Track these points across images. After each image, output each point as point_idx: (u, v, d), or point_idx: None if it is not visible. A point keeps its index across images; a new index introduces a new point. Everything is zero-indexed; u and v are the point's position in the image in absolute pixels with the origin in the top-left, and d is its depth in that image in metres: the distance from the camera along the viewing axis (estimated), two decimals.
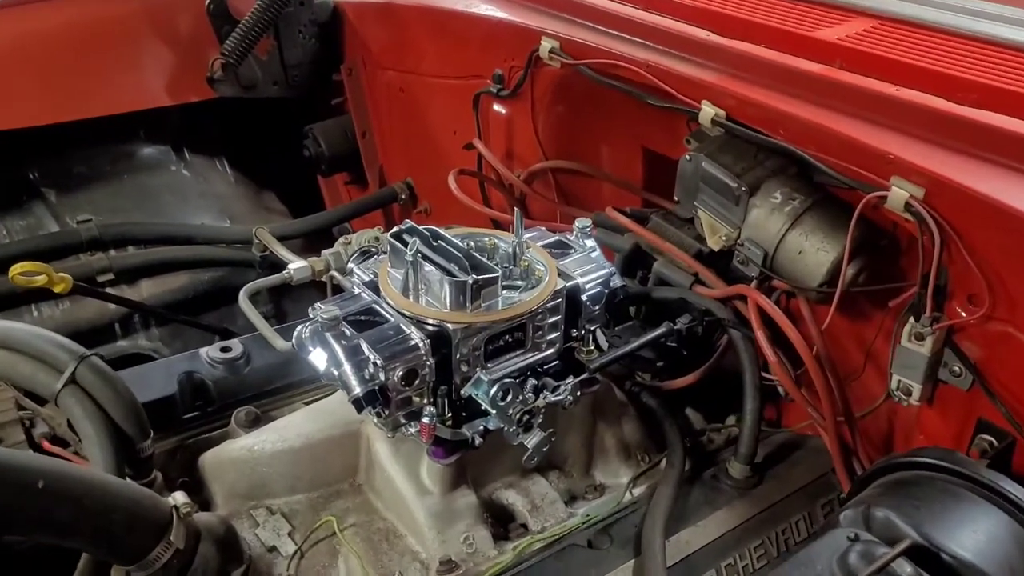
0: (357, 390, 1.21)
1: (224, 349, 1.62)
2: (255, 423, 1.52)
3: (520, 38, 1.80)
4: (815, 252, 1.36)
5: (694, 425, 1.64)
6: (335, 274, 1.54)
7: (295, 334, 1.31)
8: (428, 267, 1.29)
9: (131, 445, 1.36)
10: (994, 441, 1.23)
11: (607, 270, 1.41)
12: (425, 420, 1.24)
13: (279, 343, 1.49)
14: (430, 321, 1.25)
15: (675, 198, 1.58)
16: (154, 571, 1.17)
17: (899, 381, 1.29)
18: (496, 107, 1.95)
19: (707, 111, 1.44)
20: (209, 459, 1.43)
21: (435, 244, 1.32)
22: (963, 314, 1.21)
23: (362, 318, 1.29)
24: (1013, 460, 1.21)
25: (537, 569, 1.27)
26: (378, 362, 1.21)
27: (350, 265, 1.46)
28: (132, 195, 2.33)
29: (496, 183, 2.00)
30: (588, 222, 1.47)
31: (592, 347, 1.41)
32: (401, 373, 1.22)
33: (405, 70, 2.22)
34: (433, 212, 2.36)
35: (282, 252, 1.95)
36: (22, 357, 1.36)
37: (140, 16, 2.32)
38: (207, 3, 2.25)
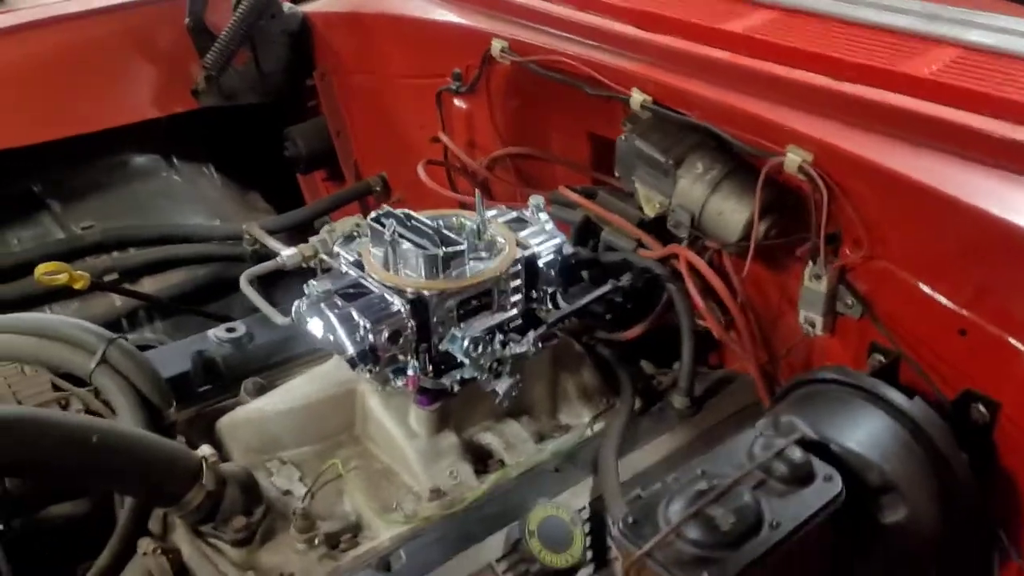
0: (351, 350, 1.45)
1: (229, 329, 1.84)
2: (262, 391, 1.74)
3: (473, 40, 2.02)
4: (732, 212, 1.60)
5: (645, 371, 1.88)
6: (323, 257, 1.75)
7: (294, 308, 1.54)
8: (404, 244, 1.52)
9: (158, 414, 1.59)
10: (883, 359, 1.49)
11: (559, 239, 1.65)
12: (410, 372, 1.47)
13: (278, 319, 1.71)
14: (409, 290, 1.48)
15: (616, 174, 1.82)
16: (189, 511, 1.40)
17: (805, 316, 1.54)
18: (456, 103, 2.18)
19: (636, 97, 1.67)
20: (225, 422, 1.65)
21: (409, 224, 1.55)
22: (850, 256, 1.45)
23: (351, 291, 1.52)
24: (899, 375, 1.45)
25: (513, 492, 1.51)
26: (367, 326, 1.44)
27: (336, 248, 1.68)
28: (128, 201, 2.54)
29: (460, 170, 2.22)
30: (541, 199, 1.70)
31: (551, 306, 1.65)
32: (387, 334, 1.45)
33: (373, 73, 2.44)
34: (406, 201, 2.57)
35: (272, 243, 2.17)
36: (55, 343, 1.58)
37: (125, 36, 2.52)
38: (186, 21, 2.46)
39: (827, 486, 1.16)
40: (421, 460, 1.54)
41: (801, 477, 1.16)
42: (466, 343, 1.47)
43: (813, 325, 1.53)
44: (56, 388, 1.62)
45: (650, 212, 1.73)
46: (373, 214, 1.60)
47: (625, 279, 1.67)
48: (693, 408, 1.66)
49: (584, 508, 1.46)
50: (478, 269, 1.54)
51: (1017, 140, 1.33)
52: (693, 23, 1.71)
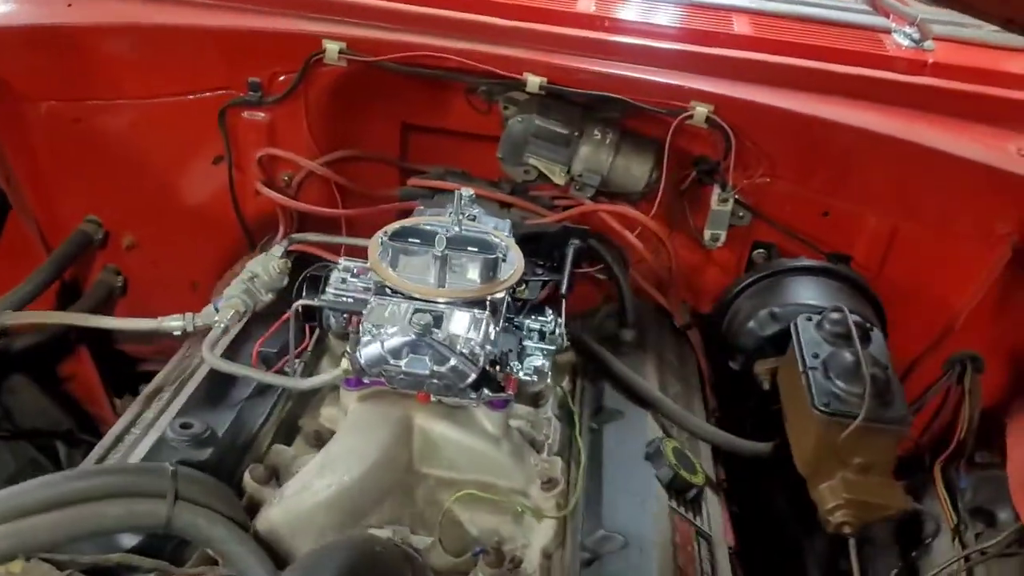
0: (473, 374, 1.39)
1: (185, 426, 1.49)
2: (273, 475, 1.48)
3: (289, 44, 1.87)
4: (637, 166, 1.89)
5: None
6: (305, 302, 1.53)
7: (361, 357, 1.38)
8: (455, 255, 1.47)
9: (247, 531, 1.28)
10: (764, 251, 1.98)
11: (508, 222, 1.74)
12: (520, 375, 1.47)
13: (304, 383, 1.47)
14: (478, 298, 1.46)
15: (499, 155, 1.93)
16: None
17: (712, 233, 1.94)
18: (250, 115, 1.97)
19: (533, 80, 1.82)
20: (278, 517, 1.38)
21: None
22: (744, 180, 1.89)
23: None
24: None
25: (601, 454, 1.62)
26: (478, 344, 1.40)
27: (330, 290, 1.51)
28: None
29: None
30: (471, 191, 1.75)
31: (524, 287, 1.74)
32: (489, 347, 1.43)
33: (82, 98, 1.99)
34: (142, 242, 2.18)
35: (99, 320, 1.72)
36: (105, 503, 1.15)
37: None
38: None
39: (876, 332, 1.61)
40: (514, 460, 1.54)
41: (866, 333, 1.59)
42: (558, 329, 1.52)
43: (717, 240, 1.94)
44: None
45: (559, 181, 1.91)
46: (382, 233, 1.49)
47: (576, 242, 1.84)
48: (639, 337, 1.94)
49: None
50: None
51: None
52: (550, 10, 1.91)
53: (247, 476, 1.47)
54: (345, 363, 1.43)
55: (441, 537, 1.44)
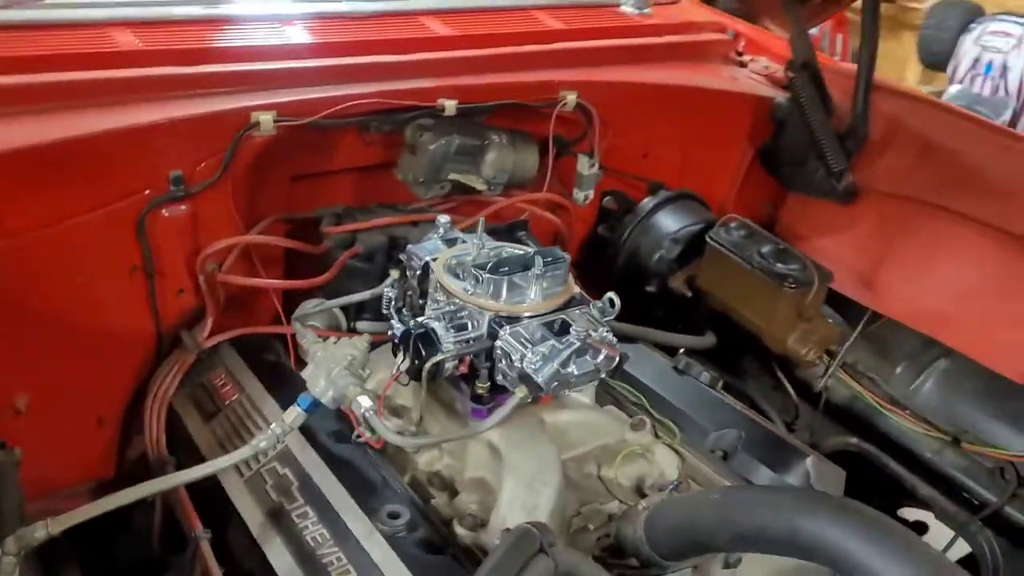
0: (618, 356, 1.65)
1: (393, 516, 1.50)
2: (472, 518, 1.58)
3: (211, 126, 1.74)
4: (529, 157, 2.19)
5: None
6: (439, 358, 1.57)
7: (539, 378, 1.55)
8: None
9: None
10: (611, 197, 2.46)
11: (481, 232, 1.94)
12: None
13: (489, 424, 1.55)
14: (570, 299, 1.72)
15: (417, 178, 2.06)
16: None
17: (584, 195, 2.33)
18: (170, 212, 1.78)
19: (450, 104, 1.99)
20: None
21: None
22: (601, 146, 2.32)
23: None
24: None
25: (634, 372, 1.98)
26: (606, 331, 1.66)
27: (448, 341, 1.59)
28: None
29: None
30: (448, 218, 1.89)
31: None
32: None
33: None
34: (37, 399, 1.80)
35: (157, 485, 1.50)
36: None
37: None
38: None
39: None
40: (611, 417, 1.85)
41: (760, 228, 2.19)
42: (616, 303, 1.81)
43: (588, 198, 2.35)
44: None
45: (481, 187, 2.12)
46: (477, 270, 1.63)
47: (522, 233, 2.09)
48: None
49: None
50: None
51: None
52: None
53: (460, 530, 1.55)
54: (520, 391, 1.57)
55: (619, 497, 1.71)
